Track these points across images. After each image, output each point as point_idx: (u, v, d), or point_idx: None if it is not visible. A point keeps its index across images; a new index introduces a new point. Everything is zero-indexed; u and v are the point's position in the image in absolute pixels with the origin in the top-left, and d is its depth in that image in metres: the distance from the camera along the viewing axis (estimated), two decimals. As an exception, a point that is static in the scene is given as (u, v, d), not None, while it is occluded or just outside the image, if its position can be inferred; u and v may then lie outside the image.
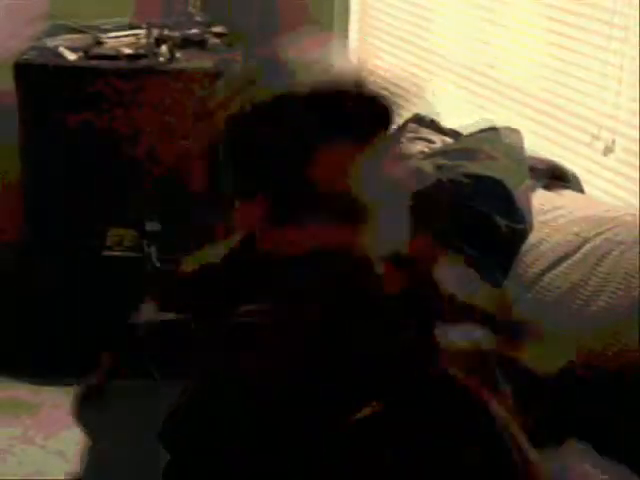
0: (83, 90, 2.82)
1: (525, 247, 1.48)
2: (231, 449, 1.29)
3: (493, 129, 1.65)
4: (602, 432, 1.22)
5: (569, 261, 1.45)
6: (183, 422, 1.38)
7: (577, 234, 1.48)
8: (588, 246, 1.45)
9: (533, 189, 1.62)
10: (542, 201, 1.60)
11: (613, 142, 2.14)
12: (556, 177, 1.68)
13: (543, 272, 1.46)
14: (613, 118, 2.14)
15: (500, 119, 2.47)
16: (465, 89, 2.64)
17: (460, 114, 2.61)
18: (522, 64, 2.44)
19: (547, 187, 1.65)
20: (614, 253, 1.42)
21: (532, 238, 1.51)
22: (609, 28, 2.13)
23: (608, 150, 2.16)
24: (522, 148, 1.64)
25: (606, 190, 2.16)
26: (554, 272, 1.45)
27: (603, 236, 1.46)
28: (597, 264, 1.42)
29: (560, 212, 1.55)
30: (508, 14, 2.47)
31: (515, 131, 1.67)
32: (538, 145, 2.35)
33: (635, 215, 1.50)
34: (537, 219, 1.54)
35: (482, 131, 1.64)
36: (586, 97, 2.22)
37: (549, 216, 1.54)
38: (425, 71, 2.78)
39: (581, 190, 1.74)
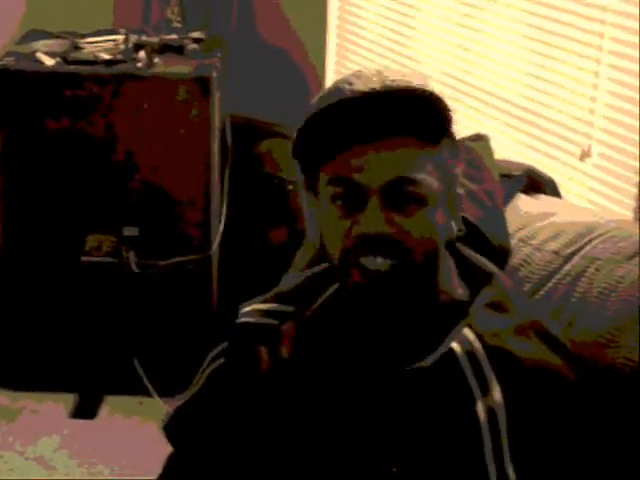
0: (61, 95, 2.81)
1: (507, 271, 1.48)
2: (230, 442, 1.32)
3: (481, 137, 1.65)
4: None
5: (549, 284, 1.46)
6: (186, 416, 1.41)
7: (556, 252, 1.49)
8: (567, 267, 1.45)
9: (513, 194, 1.62)
10: (520, 209, 1.60)
11: (590, 147, 2.17)
12: (532, 182, 1.69)
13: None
14: (589, 124, 2.17)
15: (477, 125, 2.49)
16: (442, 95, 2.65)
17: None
18: (499, 70, 2.45)
19: (524, 192, 1.66)
20: (590, 271, 1.42)
21: (514, 260, 1.51)
22: (585, 35, 2.15)
23: (585, 155, 2.18)
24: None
25: (583, 195, 2.19)
26: (536, 297, 1.45)
27: (581, 253, 1.46)
28: (575, 284, 1.43)
29: (539, 224, 1.55)
30: (486, 21, 2.49)
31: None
32: (515, 150, 2.38)
33: (612, 223, 1.51)
34: (516, 236, 1.54)
35: (471, 139, 1.64)
36: (562, 103, 2.24)
37: (529, 230, 1.55)
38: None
39: (558, 195, 1.74)
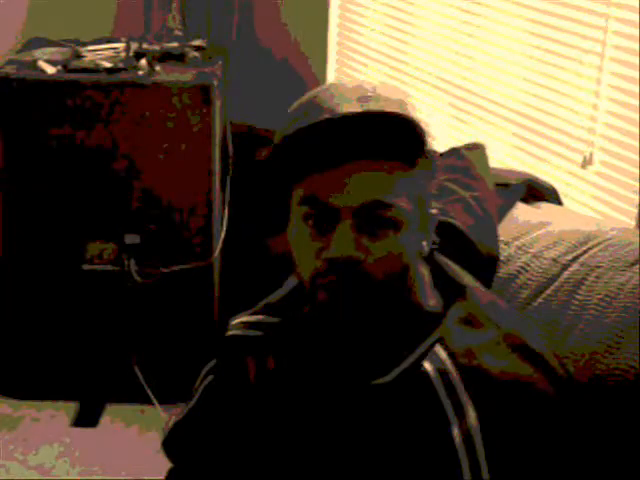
0: (62, 104, 2.81)
1: (505, 278, 1.48)
2: (227, 457, 1.31)
3: (477, 146, 1.65)
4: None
5: (548, 291, 1.45)
6: (182, 432, 1.41)
7: (555, 260, 1.48)
8: (566, 274, 1.45)
9: (512, 204, 1.62)
10: (519, 217, 1.60)
11: (591, 155, 2.16)
12: (533, 189, 1.69)
13: (524, 306, 1.45)
14: (591, 131, 2.16)
15: (478, 132, 2.49)
16: (443, 102, 2.66)
17: (439, 128, 2.63)
18: (500, 78, 2.45)
19: (524, 200, 1.66)
20: (590, 279, 1.42)
21: (512, 267, 1.50)
22: (587, 42, 2.15)
23: (587, 163, 2.18)
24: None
25: (584, 203, 2.19)
26: (534, 304, 1.45)
27: (580, 260, 1.46)
28: (574, 291, 1.42)
29: (537, 233, 1.55)
30: (487, 28, 2.49)
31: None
32: (516, 158, 2.38)
33: (612, 231, 1.50)
34: (514, 244, 1.54)
35: (467, 148, 1.64)
36: (564, 110, 2.24)
37: (527, 238, 1.54)
38: (405, 84, 2.79)
39: (559, 202, 1.74)
